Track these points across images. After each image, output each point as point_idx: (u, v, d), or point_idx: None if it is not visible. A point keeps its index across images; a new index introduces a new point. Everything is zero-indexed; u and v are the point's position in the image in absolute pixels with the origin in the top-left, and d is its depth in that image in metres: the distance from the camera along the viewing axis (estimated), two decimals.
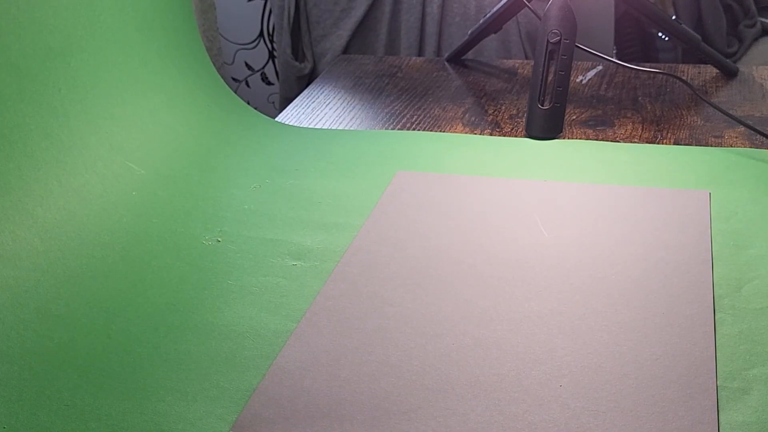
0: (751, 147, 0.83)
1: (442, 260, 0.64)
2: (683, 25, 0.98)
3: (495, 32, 1.06)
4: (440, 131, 0.90)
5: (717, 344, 0.53)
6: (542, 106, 0.87)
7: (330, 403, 0.50)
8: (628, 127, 0.89)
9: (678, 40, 1.00)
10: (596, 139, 0.86)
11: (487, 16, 1.05)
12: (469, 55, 1.14)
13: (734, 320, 0.55)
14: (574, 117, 0.92)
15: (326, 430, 0.48)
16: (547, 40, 0.87)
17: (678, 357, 0.52)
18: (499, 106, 0.97)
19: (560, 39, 0.86)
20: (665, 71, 0.94)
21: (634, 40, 1.48)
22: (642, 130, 0.89)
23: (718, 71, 1.03)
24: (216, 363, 0.54)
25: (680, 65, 1.07)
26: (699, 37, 1.00)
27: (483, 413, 0.48)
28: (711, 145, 0.84)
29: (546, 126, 0.87)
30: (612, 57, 1.26)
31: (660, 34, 0.98)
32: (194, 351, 0.55)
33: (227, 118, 0.91)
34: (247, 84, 1.56)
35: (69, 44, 0.76)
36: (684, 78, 1.00)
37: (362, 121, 0.95)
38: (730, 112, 0.87)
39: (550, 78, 0.87)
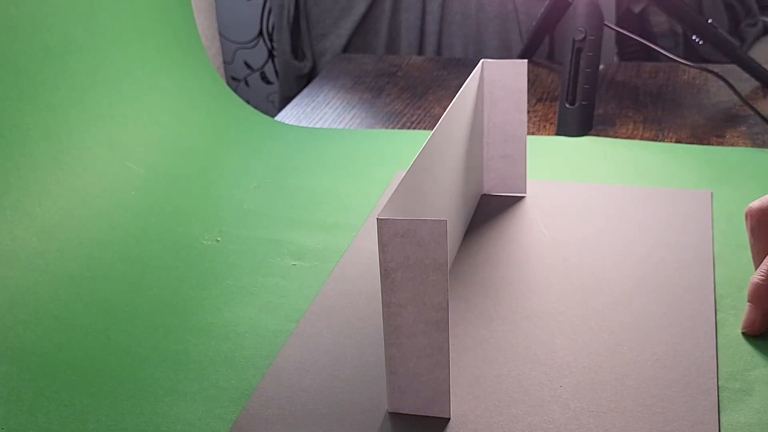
0: (752, 146, 0.83)
1: None
2: (719, 30, 0.95)
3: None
4: None
5: (718, 345, 0.53)
6: (570, 105, 0.86)
7: (329, 403, 0.49)
8: (630, 126, 0.89)
9: (714, 46, 0.96)
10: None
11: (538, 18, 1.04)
12: (470, 54, 1.13)
13: (736, 320, 0.55)
14: None
15: (325, 430, 0.47)
16: (573, 39, 0.86)
17: (679, 357, 0.52)
18: None
19: (585, 36, 0.85)
20: (709, 69, 0.90)
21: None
22: (643, 130, 0.88)
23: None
24: (215, 363, 0.54)
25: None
26: (736, 43, 0.96)
27: (483, 414, 0.48)
28: (713, 145, 0.84)
29: (576, 125, 0.86)
30: (613, 57, 1.26)
31: (694, 38, 0.95)
32: (193, 351, 0.55)
33: (226, 118, 0.91)
34: (246, 83, 1.56)
35: (68, 43, 0.76)
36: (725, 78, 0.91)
37: (362, 121, 0.95)
38: (732, 111, 0.87)
39: (576, 76, 0.86)
